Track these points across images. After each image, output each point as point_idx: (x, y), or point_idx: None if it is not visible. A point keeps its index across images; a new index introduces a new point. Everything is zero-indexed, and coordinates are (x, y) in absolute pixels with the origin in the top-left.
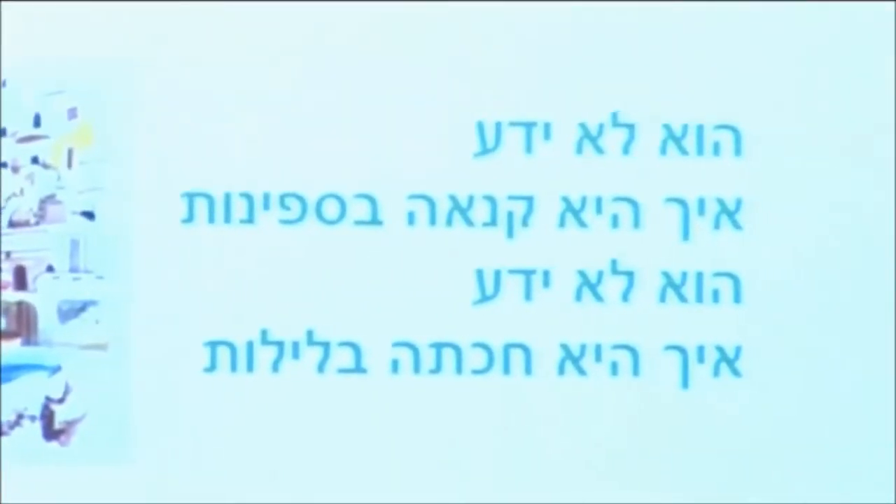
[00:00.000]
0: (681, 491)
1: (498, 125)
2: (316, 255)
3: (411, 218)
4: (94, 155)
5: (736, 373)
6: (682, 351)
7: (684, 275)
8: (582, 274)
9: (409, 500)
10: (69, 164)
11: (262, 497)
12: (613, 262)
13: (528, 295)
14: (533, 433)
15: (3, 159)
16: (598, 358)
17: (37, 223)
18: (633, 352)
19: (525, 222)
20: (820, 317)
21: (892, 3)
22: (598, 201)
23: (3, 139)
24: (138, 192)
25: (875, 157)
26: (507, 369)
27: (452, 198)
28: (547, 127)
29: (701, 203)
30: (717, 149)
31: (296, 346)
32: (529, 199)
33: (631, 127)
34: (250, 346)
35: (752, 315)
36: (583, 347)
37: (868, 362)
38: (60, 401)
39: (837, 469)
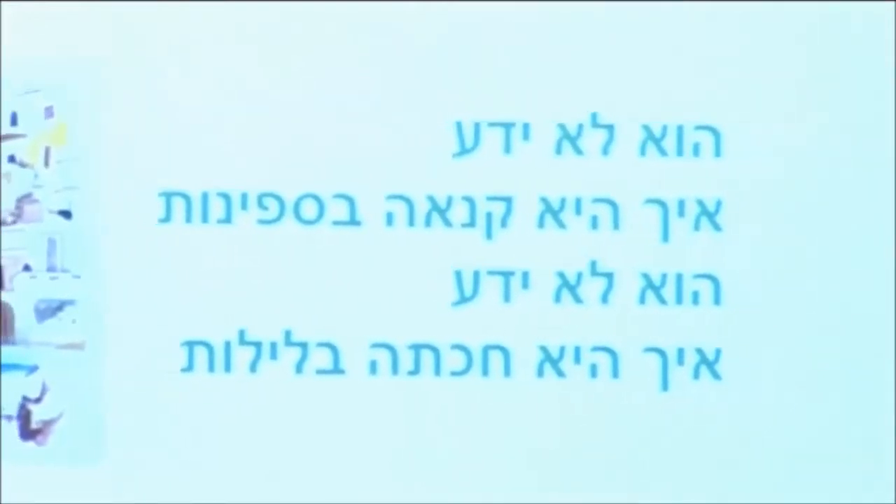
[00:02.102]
0: (660, 493)
1: (477, 125)
2: (294, 256)
3: (390, 218)
4: (71, 154)
5: (716, 375)
6: (661, 353)
7: (664, 276)
8: (561, 275)
9: (386, 500)
10: (46, 163)
11: (238, 497)
12: (593, 264)
13: (506, 296)
14: (512, 435)
15: None
16: (577, 360)
17: (14, 222)
18: (613, 354)
19: (504, 223)
20: (800, 318)
21: (860, 2)
22: (578, 202)
23: None
24: (115, 191)
25: (855, 159)
26: (485, 371)
27: (431, 198)
28: (526, 127)
29: (681, 204)
30: (696, 150)
31: (273, 346)
32: (508, 200)
33: (610, 128)
34: (228, 346)
35: (732, 317)
36: (562, 349)
37: (849, 363)
38: (37, 400)
39: (817, 470)
